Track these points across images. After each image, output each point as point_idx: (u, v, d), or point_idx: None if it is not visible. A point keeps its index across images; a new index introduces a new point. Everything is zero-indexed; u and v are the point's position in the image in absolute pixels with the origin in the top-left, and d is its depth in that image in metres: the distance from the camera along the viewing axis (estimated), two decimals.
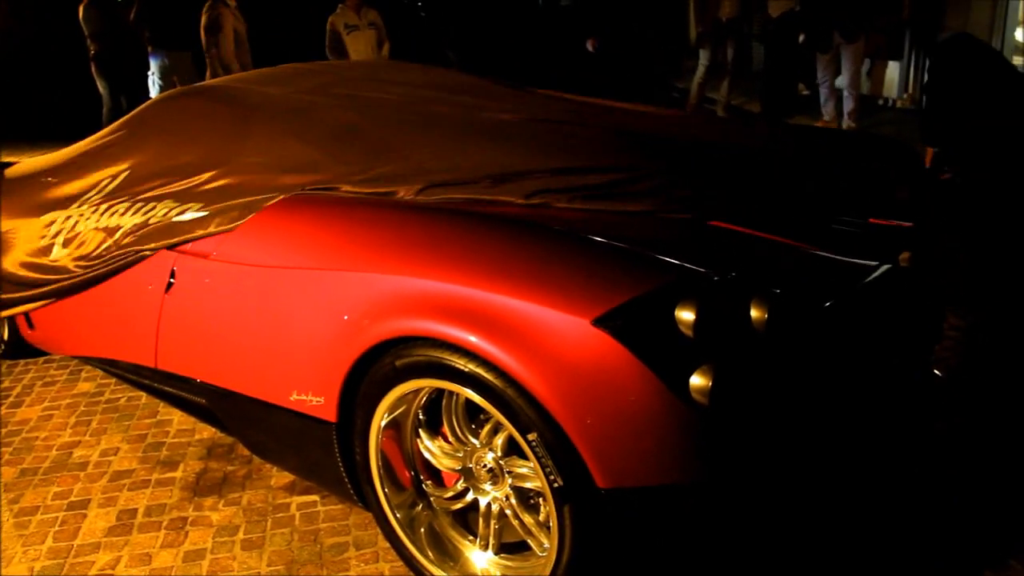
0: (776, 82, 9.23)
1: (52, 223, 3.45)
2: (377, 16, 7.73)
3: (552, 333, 2.01)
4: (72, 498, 3.09)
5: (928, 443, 2.56)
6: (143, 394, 3.72)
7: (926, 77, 4.83)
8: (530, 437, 2.06)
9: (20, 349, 4.07)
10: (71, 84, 9.63)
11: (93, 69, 8.77)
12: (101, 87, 8.84)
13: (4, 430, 3.60)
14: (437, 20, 9.49)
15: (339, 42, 7.45)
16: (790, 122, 7.74)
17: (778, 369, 2.11)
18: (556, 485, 2.05)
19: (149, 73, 8.82)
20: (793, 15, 8.66)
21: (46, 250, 3.44)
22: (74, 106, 9.07)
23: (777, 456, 2.08)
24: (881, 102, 9.65)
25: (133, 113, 3.64)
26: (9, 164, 4.13)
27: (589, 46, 9.24)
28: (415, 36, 9.48)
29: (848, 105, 8.28)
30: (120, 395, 3.81)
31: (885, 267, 2.46)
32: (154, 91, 8.78)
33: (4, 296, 3.52)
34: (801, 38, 8.52)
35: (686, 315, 1.98)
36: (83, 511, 3.01)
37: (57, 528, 2.93)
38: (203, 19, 7.83)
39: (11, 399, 3.88)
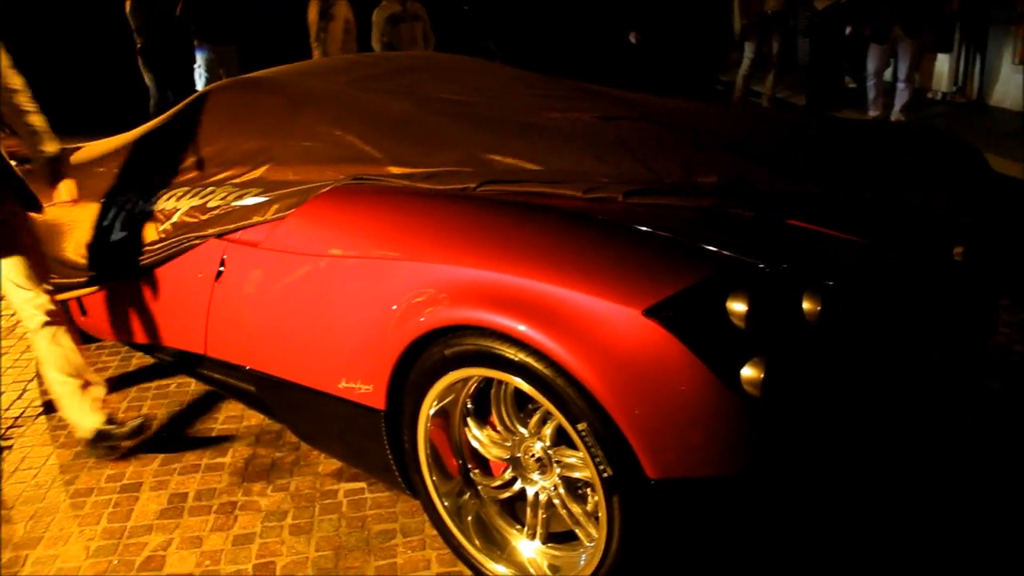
0: (822, 75, 9.13)
1: (109, 210, 3.51)
2: (421, 8, 7.75)
3: (603, 323, 2.01)
4: (125, 481, 3.14)
5: (974, 438, 2.53)
6: (192, 381, 3.77)
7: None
8: (580, 427, 2.06)
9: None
10: (119, 77, 9.74)
11: (140, 63, 8.88)
12: (148, 80, 8.95)
13: (59, 414, 3.66)
14: (479, 12, 9.49)
15: (384, 34, 7.48)
16: (837, 116, 7.65)
17: (829, 362, 2.09)
18: (606, 475, 2.05)
19: (195, 66, 8.92)
20: (839, 8, 8.56)
21: (103, 236, 3.50)
22: (122, 99, 9.18)
23: (826, 449, 2.06)
24: (930, 95, 9.52)
25: (186, 102, 3.68)
26: (73, 149, 4.17)
27: (632, 39, 9.21)
28: (457, 28, 9.48)
29: (902, 99, 8.17)
30: (170, 381, 3.86)
31: (939, 261, 2.43)
32: (200, 84, 8.88)
33: (61, 280, 3.57)
34: (847, 30, 8.42)
35: (738, 306, 1.96)
36: (135, 494, 3.06)
37: (111, 509, 2.98)
38: (315, 5, 7.75)
39: None
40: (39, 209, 3.20)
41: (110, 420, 3.22)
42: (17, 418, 3.67)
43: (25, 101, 3.11)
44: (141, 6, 8.61)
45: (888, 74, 8.40)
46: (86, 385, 3.19)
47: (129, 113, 7.88)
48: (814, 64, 9.24)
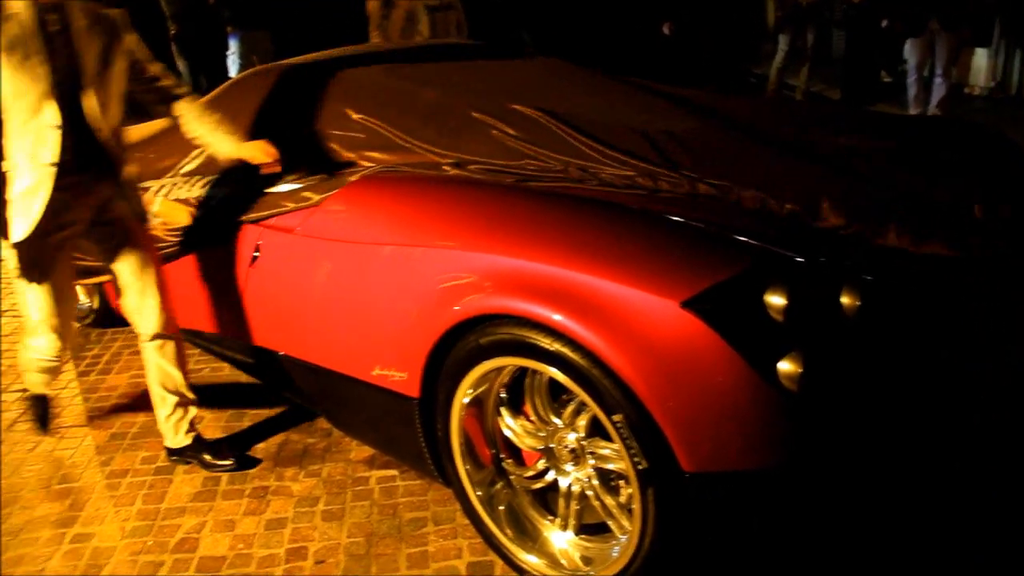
0: (857, 68, 9.03)
1: (145, 192, 3.53)
2: None
3: (640, 314, 2.00)
4: (159, 463, 3.18)
5: (981, 436, 2.49)
6: (226, 365, 3.80)
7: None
8: (615, 418, 2.05)
9: (109, 318, 4.19)
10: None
11: (174, 49, 8.92)
12: (181, 66, 8.98)
13: (95, 395, 3.71)
14: (512, 1, 9.46)
15: (419, 23, 7.44)
16: (873, 110, 7.57)
17: (867, 356, 2.07)
18: (640, 467, 2.05)
19: (228, 53, 8.95)
20: (876, 0, 8.46)
21: None
22: None
23: (862, 444, 2.05)
24: (968, 91, 9.40)
25: (222, 88, 3.70)
26: None
27: (665, 29, 9.15)
28: (490, 17, 9.46)
29: (939, 93, 8.05)
30: (204, 365, 3.89)
31: (979, 256, 2.39)
32: (233, 70, 8.91)
33: (95, 263, 3.60)
34: (884, 23, 8.32)
35: (776, 299, 1.95)
36: (169, 476, 3.09)
37: (146, 491, 3.02)
38: None
39: (100, 366, 3.99)
40: (143, 215, 3.07)
41: (197, 440, 3.15)
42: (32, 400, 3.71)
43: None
44: None
45: (925, 69, 8.29)
46: (183, 403, 3.11)
47: None
48: (850, 57, 9.14)
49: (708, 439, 1.97)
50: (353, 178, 2.80)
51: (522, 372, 2.38)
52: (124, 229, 2.97)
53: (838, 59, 10.17)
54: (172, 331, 3.07)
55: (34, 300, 2.87)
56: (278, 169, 3.03)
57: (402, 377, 2.50)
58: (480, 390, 2.41)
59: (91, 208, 2.86)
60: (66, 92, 2.67)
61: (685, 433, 1.98)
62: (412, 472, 2.98)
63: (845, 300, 2.01)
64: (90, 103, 2.72)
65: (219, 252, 3.18)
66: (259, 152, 3.00)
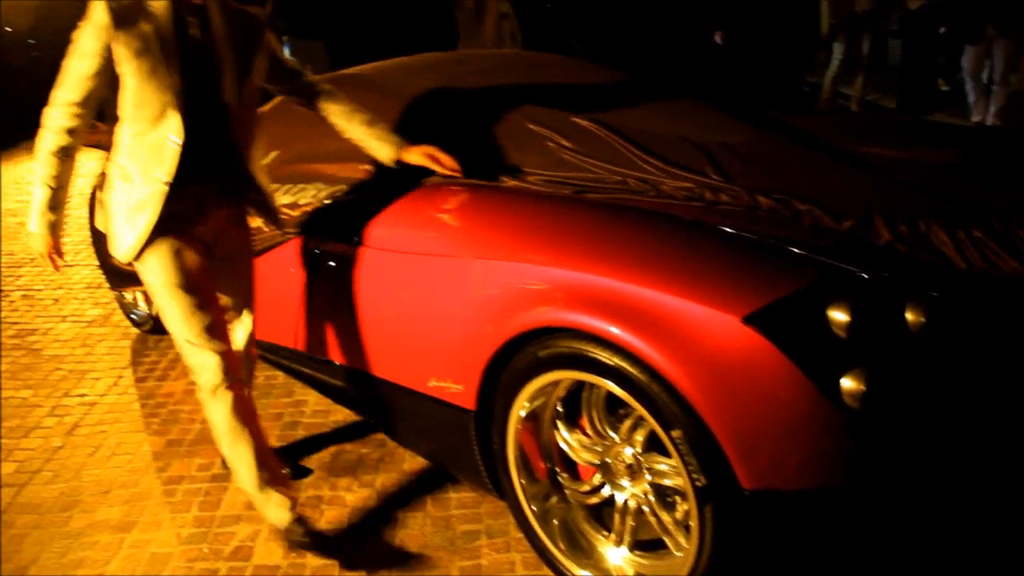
0: (914, 77, 8.89)
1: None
2: (508, 6, 7.72)
3: (700, 329, 1.98)
4: (215, 470, 3.21)
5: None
6: (280, 373, 3.83)
7: None
8: (674, 434, 2.03)
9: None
10: None
11: None
12: None
13: (152, 402, 3.76)
14: (563, 9, 9.45)
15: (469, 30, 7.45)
16: (931, 119, 7.44)
17: (931, 374, 2.03)
18: (699, 484, 2.02)
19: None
20: (933, 6, 8.33)
21: None
22: None
23: (925, 462, 2.00)
24: None
25: (278, 98, 3.73)
26: None
27: (717, 38, 9.08)
28: (541, 25, 9.46)
29: (998, 101, 7.90)
30: (258, 374, 3.91)
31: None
32: None
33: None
34: (941, 30, 8.19)
35: (839, 316, 1.92)
36: (225, 483, 3.12)
37: (201, 498, 3.05)
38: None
39: (157, 372, 4.06)
40: (279, 224, 2.89)
41: (299, 521, 2.68)
42: (90, 405, 3.78)
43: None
44: None
45: (983, 76, 8.14)
46: (269, 477, 2.67)
47: None
48: (906, 65, 9.00)
49: (768, 456, 1.95)
50: (411, 189, 2.81)
51: (579, 385, 2.37)
52: (238, 245, 2.83)
53: (893, 67, 10.03)
54: (253, 352, 3.00)
55: (169, 317, 2.63)
56: (458, 175, 2.78)
57: (458, 389, 2.50)
58: (537, 403, 2.40)
59: (209, 225, 2.68)
60: (198, 103, 2.50)
61: (745, 450, 1.95)
62: (465, 484, 2.97)
63: (909, 316, 1.97)
64: (223, 114, 2.58)
65: (275, 262, 3.21)
66: (435, 160, 2.76)
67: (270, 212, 2.82)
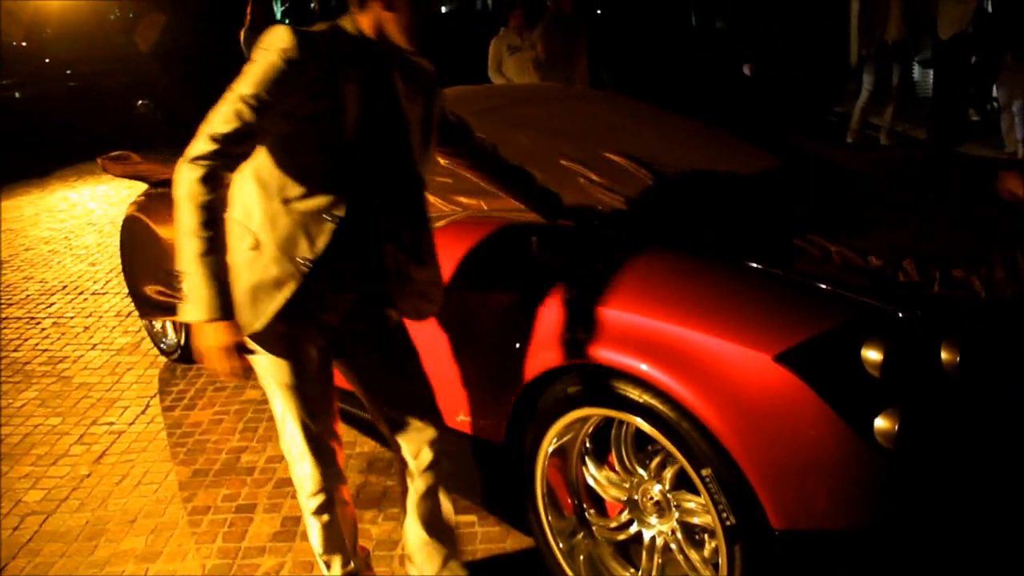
0: (946, 107, 8.83)
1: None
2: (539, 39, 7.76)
3: (732, 367, 1.96)
4: (240, 501, 3.21)
5: None
6: None
7: None
8: (703, 472, 2.01)
9: (193, 353, 4.27)
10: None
11: None
12: None
13: (179, 431, 3.77)
14: (592, 41, 9.52)
15: (502, 64, 7.50)
16: (962, 151, 7.39)
17: (966, 413, 2.00)
18: (728, 523, 2.00)
19: None
20: (965, 36, 8.28)
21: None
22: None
23: (960, 504, 1.97)
24: None
25: None
26: None
27: (746, 70, 9.09)
28: None
29: (1021, 132, 7.82)
30: None
31: None
32: None
33: (170, 299, 3.66)
34: (973, 60, 8.14)
35: (873, 354, 1.90)
36: (250, 515, 3.11)
37: (226, 529, 3.05)
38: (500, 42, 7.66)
39: (185, 401, 4.07)
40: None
41: None
42: (122, 433, 3.79)
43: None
44: (254, 35, 8.85)
45: (1015, 105, 8.06)
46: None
47: None
48: (938, 95, 8.95)
49: (799, 496, 1.92)
50: (441, 223, 2.81)
51: (608, 422, 2.35)
52: (388, 330, 2.36)
53: (923, 98, 9.98)
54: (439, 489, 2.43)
55: (276, 415, 2.30)
56: None
57: (487, 424, 2.49)
58: (565, 439, 2.38)
59: (340, 309, 2.25)
60: (370, 172, 2.09)
61: (775, 490, 1.93)
62: (491, 518, 2.95)
63: (945, 355, 1.94)
64: (397, 187, 2.17)
65: None
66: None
67: (428, 295, 2.31)
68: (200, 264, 1.86)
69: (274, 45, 1.92)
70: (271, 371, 2.20)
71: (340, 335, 2.27)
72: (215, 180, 1.88)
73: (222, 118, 1.89)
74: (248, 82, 1.90)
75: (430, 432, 2.34)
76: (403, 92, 2.12)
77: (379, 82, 2.07)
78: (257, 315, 2.06)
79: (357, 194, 2.06)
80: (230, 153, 1.91)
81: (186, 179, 1.87)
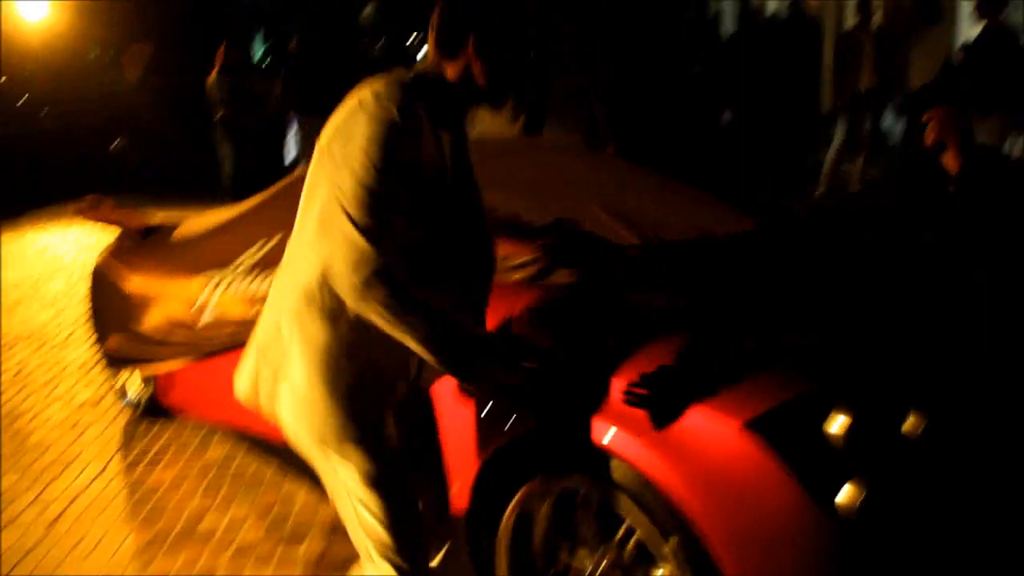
0: (916, 155, 8.91)
1: (203, 286, 3.49)
2: None
3: (698, 435, 1.93)
4: (198, 569, 3.09)
5: None
6: (272, 466, 3.75)
7: None
8: (669, 543, 1.97)
9: (157, 408, 4.18)
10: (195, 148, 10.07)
11: (218, 134, 9.05)
12: (226, 149, 9.08)
13: (139, 491, 3.67)
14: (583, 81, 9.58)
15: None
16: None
17: (931, 483, 1.96)
18: None
19: (289, 136, 9.12)
20: (934, 87, 8.38)
21: (195, 313, 3.49)
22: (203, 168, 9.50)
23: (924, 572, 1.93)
24: None
25: (286, 180, 3.70)
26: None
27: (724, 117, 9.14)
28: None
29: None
30: (248, 466, 3.84)
31: None
32: (291, 155, 9.08)
33: (145, 352, 3.59)
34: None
35: (837, 424, 1.88)
36: None
37: None
38: None
39: (147, 459, 3.96)
40: None
41: None
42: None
43: None
44: (226, 80, 8.85)
45: None
46: None
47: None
48: (908, 143, 9.03)
49: (762, 566, 1.90)
50: None
51: (572, 491, 2.30)
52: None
53: (894, 146, 10.08)
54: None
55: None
56: None
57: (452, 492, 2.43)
58: (528, 508, 2.34)
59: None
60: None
61: (739, 559, 1.90)
62: None
63: (910, 424, 1.92)
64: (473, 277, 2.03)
65: None
66: None
67: None
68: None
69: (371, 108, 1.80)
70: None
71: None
72: None
73: None
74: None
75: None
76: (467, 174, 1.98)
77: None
78: None
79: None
80: None
81: None
